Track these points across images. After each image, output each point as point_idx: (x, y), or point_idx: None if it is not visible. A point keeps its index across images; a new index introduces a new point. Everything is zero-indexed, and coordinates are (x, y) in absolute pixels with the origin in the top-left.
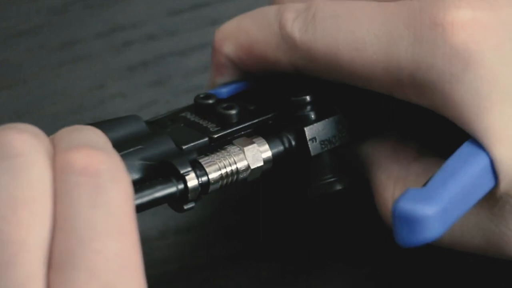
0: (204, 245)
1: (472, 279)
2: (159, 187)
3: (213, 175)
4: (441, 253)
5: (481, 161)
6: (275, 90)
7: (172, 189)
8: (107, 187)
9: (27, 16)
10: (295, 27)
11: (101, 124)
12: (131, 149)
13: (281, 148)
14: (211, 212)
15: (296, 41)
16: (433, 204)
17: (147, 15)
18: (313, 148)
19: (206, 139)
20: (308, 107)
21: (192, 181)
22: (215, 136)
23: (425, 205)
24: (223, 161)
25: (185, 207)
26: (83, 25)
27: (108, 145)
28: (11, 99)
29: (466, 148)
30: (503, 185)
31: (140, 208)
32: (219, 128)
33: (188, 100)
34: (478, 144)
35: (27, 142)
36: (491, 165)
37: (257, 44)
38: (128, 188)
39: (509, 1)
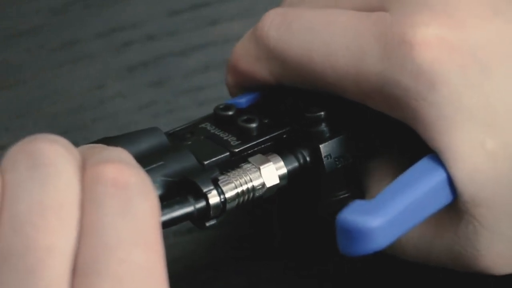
0: (204, 245)
1: (472, 280)
2: (176, 206)
3: (229, 194)
4: None
5: (438, 177)
6: (289, 103)
7: (190, 209)
8: (135, 200)
9: (27, 16)
10: (270, 35)
11: (122, 138)
12: (153, 165)
13: (296, 165)
14: None
15: (271, 48)
16: (376, 217)
17: (147, 15)
18: (328, 164)
19: (227, 153)
20: (323, 123)
21: (213, 198)
22: (236, 150)
23: (367, 217)
24: (239, 179)
25: (207, 224)
26: (83, 25)
27: (135, 162)
28: (11, 99)
29: (424, 163)
30: (462, 203)
31: None
32: (239, 142)
33: (188, 101)
34: (438, 160)
35: (57, 152)
36: (448, 181)
37: (240, 59)
38: (155, 203)
39: (477, 21)
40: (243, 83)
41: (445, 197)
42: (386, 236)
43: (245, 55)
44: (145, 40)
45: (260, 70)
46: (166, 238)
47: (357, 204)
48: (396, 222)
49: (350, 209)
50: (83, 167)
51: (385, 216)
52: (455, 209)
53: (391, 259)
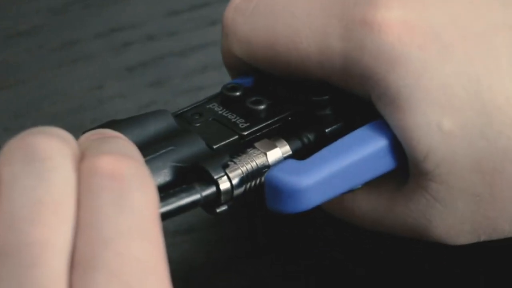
0: (204, 245)
1: (472, 280)
2: (183, 194)
3: (236, 180)
4: (440, 253)
5: (377, 144)
6: (294, 85)
7: (196, 197)
8: (132, 191)
9: (26, 16)
10: (236, 20)
11: (129, 121)
12: (163, 151)
13: (301, 148)
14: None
15: (237, 33)
16: (304, 178)
17: (146, 16)
18: None
19: (236, 136)
20: (328, 107)
21: (224, 184)
22: (245, 133)
23: (296, 177)
24: (246, 165)
25: (218, 210)
26: (83, 26)
27: (135, 152)
28: (10, 99)
29: (366, 129)
30: (415, 178)
31: (166, 216)
32: (248, 124)
33: (188, 101)
34: (381, 127)
35: (53, 145)
36: (390, 149)
37: (223, 46)
38: (153, 194)
39: (439, 2)
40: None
41: (385, 164)
42: (314, 197)
43: (223, 43)
44: (144, 40)
45: (235, 57)
46: (166, 238)
47: (288, 163)
48: (326, 184)
49: (281, 168)
50: (81, 159)
51: (314, 177)
52: (408, 183)
53: (395, 262)
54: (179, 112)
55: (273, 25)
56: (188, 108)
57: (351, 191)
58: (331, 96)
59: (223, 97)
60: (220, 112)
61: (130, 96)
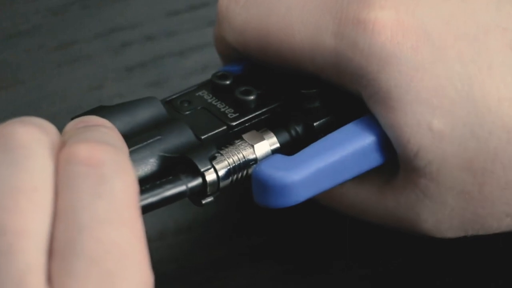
0: (203, 245)
1: (473, 281)
2: (168, 186)
3: (223, 172)
4: (442, 254)
5: (366, 139)
6: (284, 75)
7: (182, 188)
8: (110, 178)
9: (25, 16)
10: (230, 10)
11: (118, 107)
12: (150, 140)
13: (289, 141)
14: (211, 213)
15: (231, 23)
16: (292, 174)
17: (145, 16)
18: None
19: (225, 127)
20: (317, 101)
21: (210, 176)
22: (234, 124)
23: (283, 173)
24: (232, 157)
25: (204, 201)
26: (82, 26)
27: (117, 139)
28: (10, 100)
29: (354, 124)
30: (405, 175)
31: (152, 207)
32: (237, 114)
33: None
34: (370, 122)
35: (29, 134)
36: (378, 145)
37: (215, 34)
38: (132, 179)
39: (432, 2)
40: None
41: (373, 160)
42: (302, 193)
43: (216, 29)
44: (143, 41)
45: (227, 44)
46: (166, 238)
47: (276, 158)
48: (313, 180)
49: (268, 163)
50: (61, 148)
51: (302, 173)
52: (398, 177)
53: (395, 263)
54: (168, 99)
55: (267, 16)
56: (178, 95)
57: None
58: (320, 90)
59: (213, 85)
60: (209, 101)
61: (129, 96)
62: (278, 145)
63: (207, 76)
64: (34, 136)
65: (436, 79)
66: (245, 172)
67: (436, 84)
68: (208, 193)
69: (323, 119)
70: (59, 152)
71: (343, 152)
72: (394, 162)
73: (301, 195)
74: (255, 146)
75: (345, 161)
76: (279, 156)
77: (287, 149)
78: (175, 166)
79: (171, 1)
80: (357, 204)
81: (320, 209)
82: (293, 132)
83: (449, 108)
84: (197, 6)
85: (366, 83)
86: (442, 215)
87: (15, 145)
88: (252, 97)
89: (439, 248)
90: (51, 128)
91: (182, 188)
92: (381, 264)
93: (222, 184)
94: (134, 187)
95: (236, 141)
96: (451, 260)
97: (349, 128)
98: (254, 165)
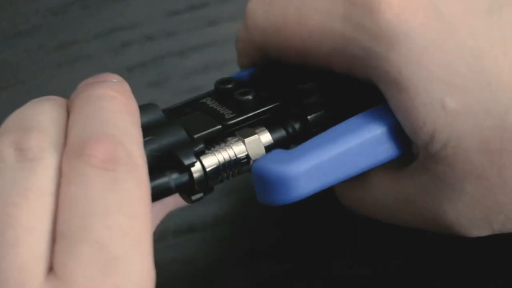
0: (204, 245)
1: (473, 281)
2: (154, 182)
3: (211, 168)
4: (442, 254)
5: (373, 131)
6: (284, 75)
7: (167, 184)
8: (123, 177)
9: (26, 17)
10: (256, 10)
11: None
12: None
13: (285, 137)
14: (211, 213)
15: (255, 21)
16: (292, 167)
17: (145, 16)
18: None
19: (219, 126)
20: (314, 95)
21: (197, 171)
22: (229, 123)
23: (283, 166)
24: (222, 153)
25: (193, 198)
26: (82, 26)
27: (132, 101)
28: (10, 100)
29: (360, 117)
30: (422, 161)
31: None
32: (234, 114)
33: None
34: (380, 113)
35: (41, 142)
36: (391, 136)
37: (240, 40)
38: (143, 176)
39: None
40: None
41: (381, 153)
42: (305, 186)
43: (241, 33)
44: (143, 41)
45: (251, 48)
46: (166, 238)
47: (276, 153)
48: (317, 172)
49: (268, 158)
50: (67, 137)
51: (303, 165)
52: (416, 166)
53: (395, 263)
54: (171, 107)
55: (286, 9)
56: (181, 103)
57: (347, 180)
58: (317, 84)
59: (216, 91)
60: (211, 105)
61: None
62: (272, 141)
63: (207, 76)
64: (44, 146)
65: (448, 55)
66: (236, 169)
67: (448, 60)
68: (197, 189)
69: (318, 113)
70: (68, 145)
71: (347, 144)
72: (407, 154)
73: (305, 189)
74: (246, 140)
75: (350, 153)
76: (278, 151)
77: (283, 145)
78: (165, 164)
79: (171, 1)
80: (380, 199)
81: (319, 209)
82: (289, 128)
83: (462, 85)
84: (197, 6)
85: (375, 64)
86: (462, 205)
87: (27, 152)
88: (249, 97)
89: (439, 248)
90: (50, 127)
91: (166, 182)
92: (381, 264)
93: (211, 180)
94: (146, 181)
95: (228, 138)
96: (451, 260)
97: (354, 120)
98: (253, 162)
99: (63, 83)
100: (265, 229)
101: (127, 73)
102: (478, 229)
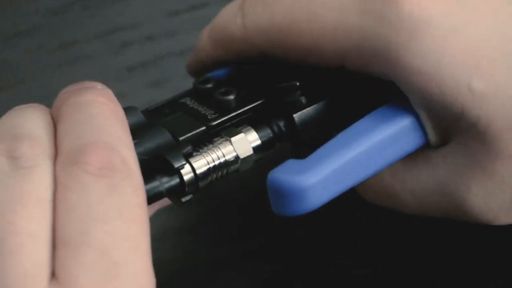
0: (204, 246)
1: (473, 281)
2: (145, 187)
3: (201, 170)
4: (442, 254)
5: (383, 132)
6: (264, 74)
7: (158, 188)
8: (120, 183)
9: (26, 17)
10: (257, 12)
11: None
12: None
13: (270, 136)
14: (212, 213)
15: (260, 25)
16: (307, 176)
17: (146, 16)
18: (303, 133)
19: (204, 128)
20: (297, 92)
21: (187, 173)
22: (213, 123)
23: (298, 176)
24: (211, 154)
25: (183, 200)
26: (82, 26)
27: (117, 107)
28: (10, 100)
29: (368, 120)
30: (450, 145)
31: None
32: (217, 115)
33: None
34: (389, 111)
35: (36, 151)
36: (398, 134)
37: (228, 37)
38: (139, 181)
39: None
40: (222, 55)
41: (397, 150)
42: (322, 195)
43: (230, 33)
44: (144, 41)
45: (246, 47)
46: (166, 238)
47: (290, 163)
48: (333, 180)
49: (282, 168)
50: (59, 145)
51: (318, 175)
52: (448, 148)
53: (394, 264)
54: (150, 108)
55: (292, 7)
56: (160, 104)
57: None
58: (300, 81)
59: (195, 91)
60: (191, 106)
61: (130, 96)
62: (259, 141)
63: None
64: (38, 155)
65: (471, 39)
66: (225, 170)
67: (472, 44)
68: (187, 191)
69: (303, 110)
70: (61, 154)
71: (361, 147)
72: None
73: (321, 197)
74: (232, 139)
75: (366, 156)
76: (292, 161)
77: (270, 144)
78: (152, 168)
79: (171, 1)
80: (410, 186)
81: (319, 209)
82: (274, 127)
83: (488, 67)
84: (197, 6)
85: (395, 56)
86: (493, 186)
87: (20, 160)
88: (231, 97)
89: (439, 248)
90: (42, 136)
91: (157, 186)
92: (381, 264)
93: (201, 182)
94: (142, 187)
95: (215, 139)
96: (451, 260)
97: (363, 123)
98: (270, 173)
99: (63, 83)
100: (265, 230)
101: (127, 73)
102: (506, 215)
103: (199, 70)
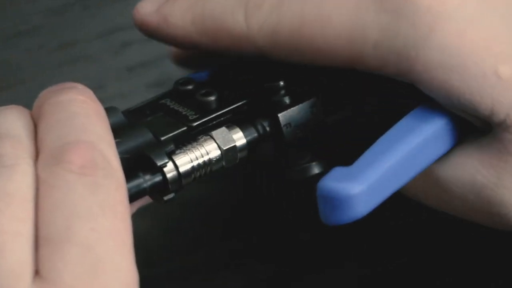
0: (203, 245)
1: (473, 281)
2: (128, 185)
3: (184, 168)
4: (442, 254)
5: (424, 131)
6: (248, 74)
7: (142, 185)
8: (102, 180)
9: (26, 17)
10: (263, 14)
11: None
12: None
13: (255, 135)
14: (210, 213)
15: (264, 26)
16: (356, 184)
17: None
18: (288, 133)
19: (185, 128)
20: (282, 92)
21: (169, 171)
22: (194, 124)
23: (347, 184)
24: (194, 152)
25: (165, 198)
26: (83, 26)
27: (97, 106)
28: (10, 100)
29: (408, 119)
30: (487, 139)
31: None
32: (197, 116)
33: None
34: (424, 113)
35: (18, 151)
36: (438, 132)
37: (223, 31)
38: (121, 178)
39: None
40: (215, 51)
41: (436, 149)
42: (369, 202)
43: (230, 29)
44: (144, 41)
45: (248, 46)
46: (165, 237)
47: (337, 170)
48: (379, 185)
49: (330, 176)
50: (41, 143)
51: (366, 182)
52: (486, 141)
53: (394, 264)
54: (131, 109)
55: (301, 9)
56: (140, 105)
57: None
58: (284, 81)
59: (175, 92)
60: (172, 107)
61: (130, 96)
62: (244, 140)
63: None
64: (20, 154)
65: (490, 28)
66: (208, 168)
67: (492, 33)
68: (171, 189)
69: (287, 110)
70: (42, 152)
71: (405, 149)
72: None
73: (370, 203)
74: (213, 132)
75: (410, 158)
76: (338, 168)
77: (255, 143)
78: (135, 166)
79: None
80: (464, 184)
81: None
82: (259, 126)
83: (510, 53)
84: None
85: (415, 53)
86: None
87: (1, 159)
88: (212, 98)
89: (439, 248)
90: (23, 137)
91: (140, 184)
92: (381, 264)
93: (184, 179)
94: (123, 183)
95: (198, 137)
96: (451, 260)
97: (403, 124)
98: (319, 182)
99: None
100: (264, 230)
101: (127, 73)
102: None
103: (183, 59)
